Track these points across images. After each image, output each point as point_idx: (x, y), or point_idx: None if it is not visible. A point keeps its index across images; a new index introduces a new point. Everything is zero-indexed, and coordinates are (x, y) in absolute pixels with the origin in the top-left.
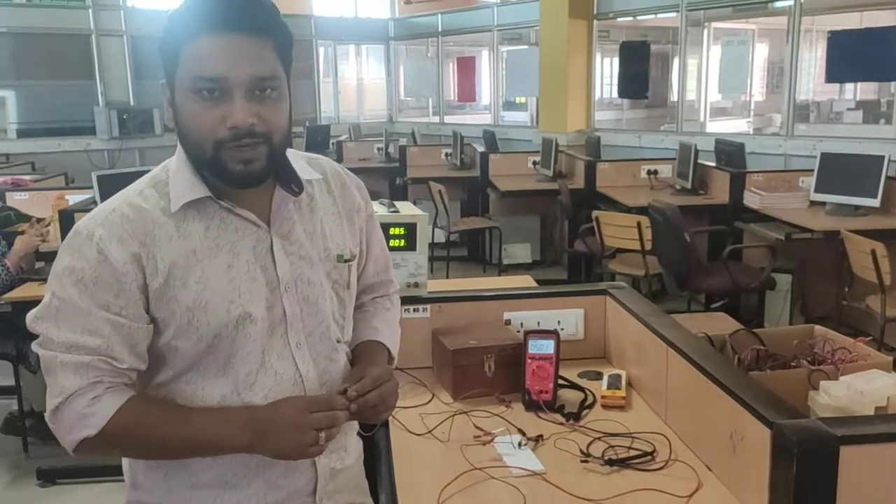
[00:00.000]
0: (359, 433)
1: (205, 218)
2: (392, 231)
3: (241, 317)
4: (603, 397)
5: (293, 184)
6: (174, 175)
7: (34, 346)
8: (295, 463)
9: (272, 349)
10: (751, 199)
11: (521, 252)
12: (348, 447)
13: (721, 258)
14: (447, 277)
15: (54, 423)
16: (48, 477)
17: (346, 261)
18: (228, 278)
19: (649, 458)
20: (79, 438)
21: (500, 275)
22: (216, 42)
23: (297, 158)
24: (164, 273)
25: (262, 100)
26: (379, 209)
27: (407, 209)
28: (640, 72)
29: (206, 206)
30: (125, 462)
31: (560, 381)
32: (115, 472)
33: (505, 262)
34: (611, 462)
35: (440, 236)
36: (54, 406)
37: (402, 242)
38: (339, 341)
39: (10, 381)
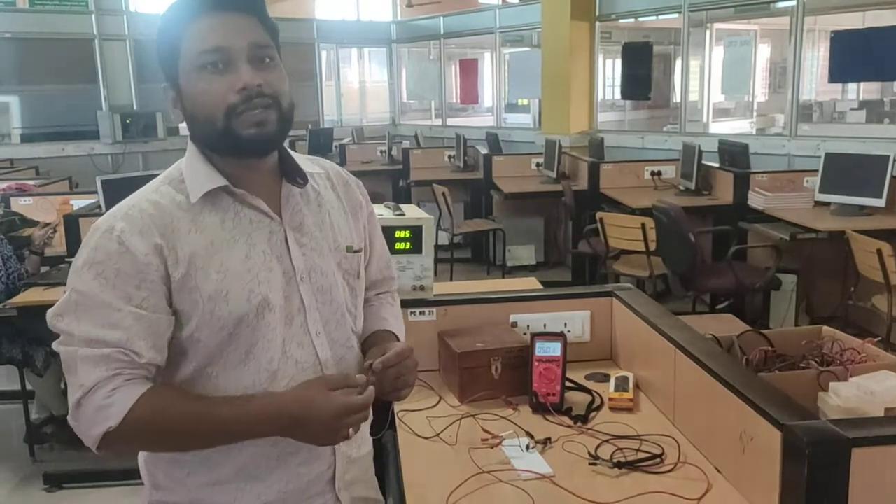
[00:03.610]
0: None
1: (219, 211)
2: (398, 234)
3: (260, 304)
4: (610, 399)
5: (298, 176)
6: (188, 170)
7: (55, 345)
8: (317, 450)
9: (292, 338)
10: (755, 200)
11: (524, 254)
12: (363, 436)
13: (726, 258)
14: (451, 280)
15: (76, 420)
16: (54, 481)
17: (354, 251)
18: (247, 267)
19: (658, 460)
20: (101, 432)
21: (504, 277)
22: (212, 20)
23: (299, 157)
24: (185, 264)
25: (264, 67)
26: (385, 212)
27: (413, 212)
28: (643, 73)
29: (220, 200)
30: (143, 463)
31: (567, 384)
32: (121, 476)
33: (509, 263)
34: (619, 464)
35: (444, 238)
36: (75, 401)
37: (408, 245)
38: (353, 331)
39: (17, 386)
